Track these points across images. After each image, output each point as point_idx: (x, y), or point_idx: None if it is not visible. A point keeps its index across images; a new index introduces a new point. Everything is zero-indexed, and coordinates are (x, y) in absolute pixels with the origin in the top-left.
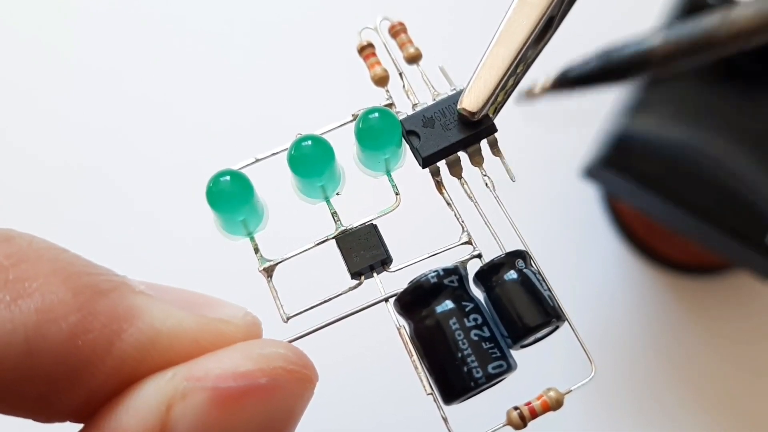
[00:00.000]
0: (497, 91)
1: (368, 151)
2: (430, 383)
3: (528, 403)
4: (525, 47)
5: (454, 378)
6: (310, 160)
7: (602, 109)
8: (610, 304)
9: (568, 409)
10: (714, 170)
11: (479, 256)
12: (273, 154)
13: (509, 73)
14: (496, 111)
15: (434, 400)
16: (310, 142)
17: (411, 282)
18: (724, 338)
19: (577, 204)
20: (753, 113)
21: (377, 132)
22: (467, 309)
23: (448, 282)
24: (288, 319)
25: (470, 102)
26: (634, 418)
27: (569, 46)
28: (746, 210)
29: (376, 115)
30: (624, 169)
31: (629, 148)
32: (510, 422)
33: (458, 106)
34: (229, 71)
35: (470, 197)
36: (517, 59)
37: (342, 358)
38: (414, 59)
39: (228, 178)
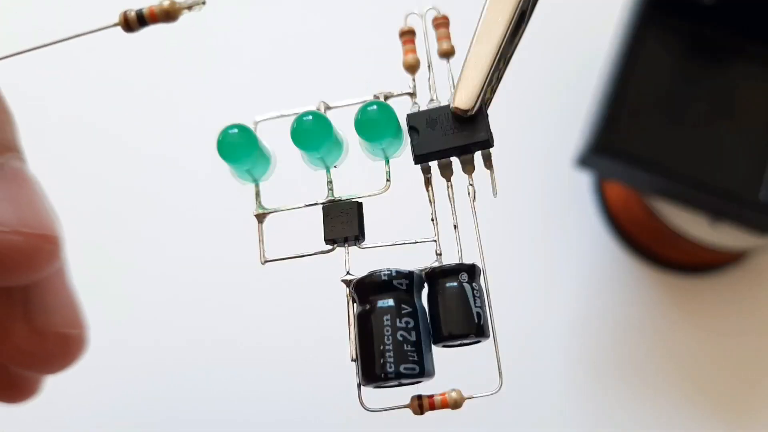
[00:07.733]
0: (485, 86)
1: (366, 141)
2: (357, 354)
3: (431, 396)
4: (503, 43)
5: (370, 364)
6: (309, 135)
7: (586, 100)
8: (605, 303)
9: (564, 409)
10: (701, 139)
11: (439, 254)
12: (294, 114)
13: (492, 69)
14: (485, 107)
15: (356, 368)
16: (311, 117)
17: (368, 273)
18: (718, 336)
19: (570, 203)
20: (727, 83)
21: (373, 124)
22: (403, 312)
23: (396, 283)
24: (265, 262)
25: (461, 100)
26: (634, 419)
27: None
28: (736, 172)
29: (375, 108)
30: (615, 152)
31: (617, 131)
32: (411, 407)
33: (451, 105)
34: (268, 30)
35: (450, 201)
36: (498, 55)
37: (297, 313)
38: (446, 54)
39: (236, 131)
